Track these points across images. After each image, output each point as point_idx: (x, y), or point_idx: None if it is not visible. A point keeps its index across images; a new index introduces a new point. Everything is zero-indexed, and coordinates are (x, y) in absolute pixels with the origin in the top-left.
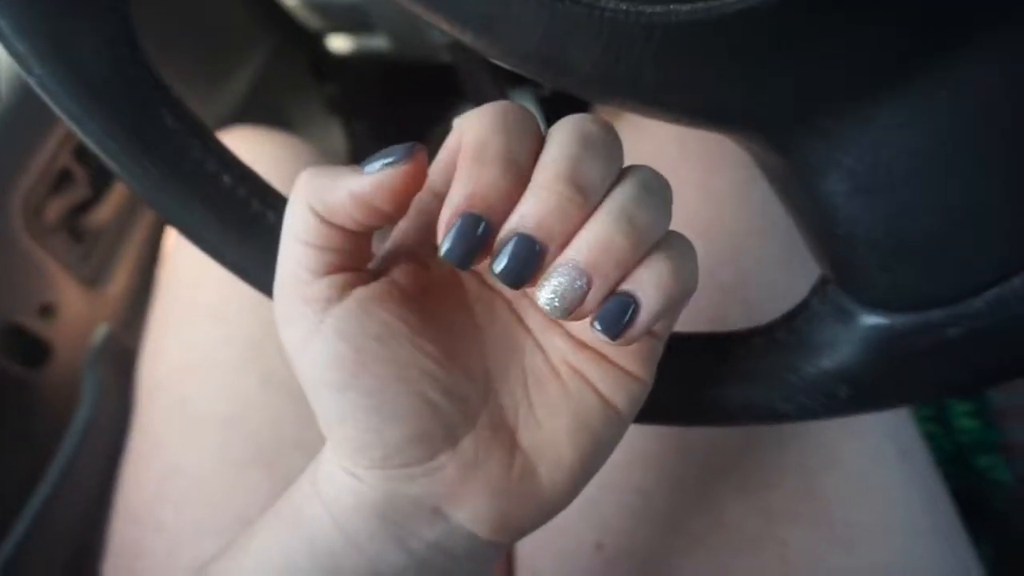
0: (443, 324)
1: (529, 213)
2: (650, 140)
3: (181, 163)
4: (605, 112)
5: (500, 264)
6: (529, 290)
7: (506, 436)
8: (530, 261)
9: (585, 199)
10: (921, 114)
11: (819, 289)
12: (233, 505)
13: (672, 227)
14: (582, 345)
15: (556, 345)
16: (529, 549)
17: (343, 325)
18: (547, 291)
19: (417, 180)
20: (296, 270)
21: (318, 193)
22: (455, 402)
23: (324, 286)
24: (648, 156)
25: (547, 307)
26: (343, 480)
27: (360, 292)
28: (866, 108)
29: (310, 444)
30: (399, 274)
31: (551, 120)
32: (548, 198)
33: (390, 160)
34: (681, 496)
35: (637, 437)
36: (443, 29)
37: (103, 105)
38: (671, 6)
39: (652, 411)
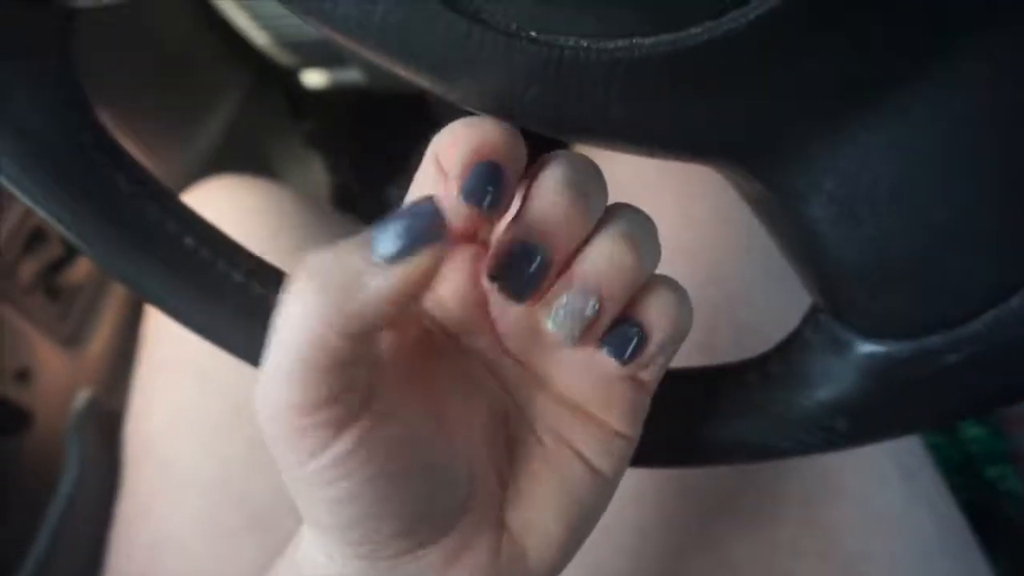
0: (434, 408)
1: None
2: (627, 165)
3: (138, 227)
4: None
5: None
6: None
7: (492, 516)
8: (536, 274)
9: (588, 212)
10: (900, 135)
11: (811, 318)
12: (227, 575)
13: None
14: (565, 404)
15: (538, 407)
16: None
17: (346, 463)
18: (558, 312)
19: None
20: (293, 399)
21: (338, 307)
22: (448, 490)
23: (324, 419)
24: (625, 182)
25: (557, 328)
26: (325, 564)
27: (364, 424)
28: (843, 131)
29: None
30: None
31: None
32: (551, 208)
33: (413, 231)
34: (681, 534)
35: (631, 474)
36: (402, 75)
37: (50, 173)
38: (633, 40)
39: (643, 453)
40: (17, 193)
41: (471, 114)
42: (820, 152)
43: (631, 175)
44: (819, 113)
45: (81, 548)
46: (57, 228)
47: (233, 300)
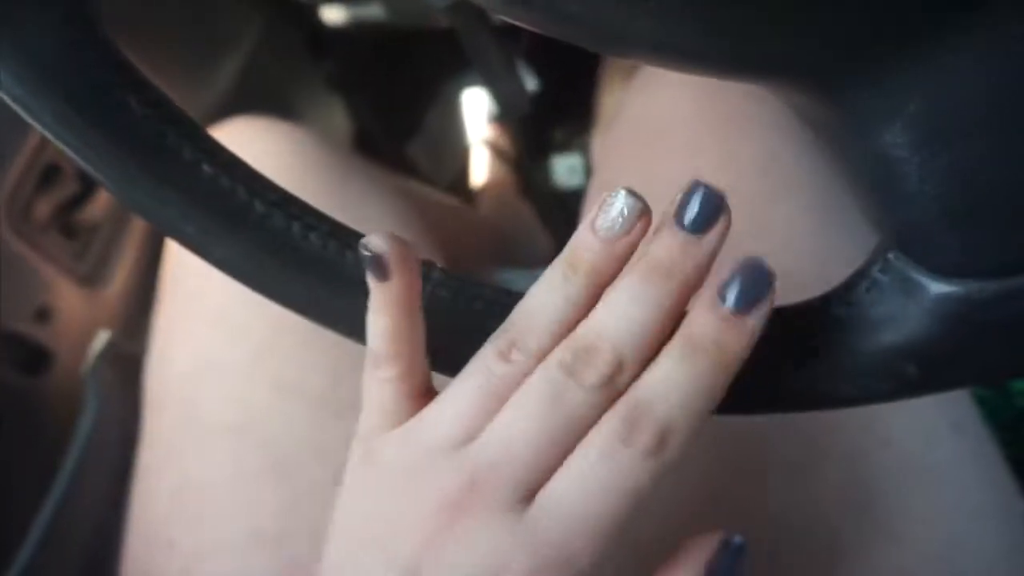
0: None
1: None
2: (666, 106)
3: (153, 152)
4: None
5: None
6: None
7: None
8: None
9: None
10: (1000, 46)
11: (878, 257)
12: (248, 519)
13: None
14: None
15: None
16: None
17: None
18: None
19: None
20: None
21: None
22: None
23: None
24: (659, 120)
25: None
26: None
27: None
28: (932, 45)
29: (327, 452)
30: None
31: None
32: None
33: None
34: (719, 485)
35: None
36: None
37: (59, 95)
38: None
39: None
40: (27, 116)
41: (499, 59)
42: (904, 71)
43: (671, 109)
44: (905, 27)
45: (101, 489)
46: (68, 154)
47: (254, 231)
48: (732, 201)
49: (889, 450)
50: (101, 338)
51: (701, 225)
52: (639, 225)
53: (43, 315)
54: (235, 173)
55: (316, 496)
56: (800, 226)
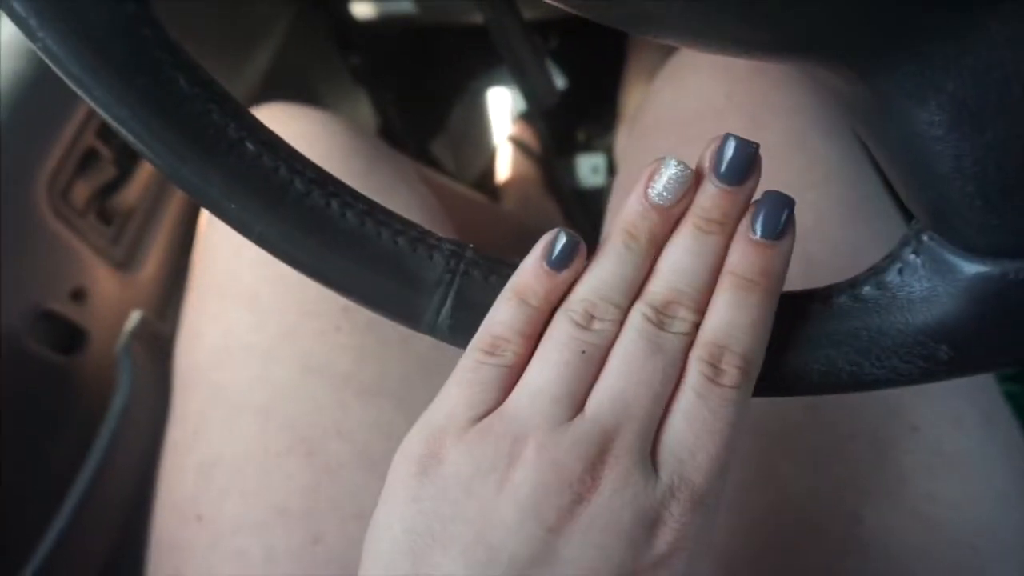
0: None
1: None
2: (694, 94)
3: (198, 129)
4: (640, 64)
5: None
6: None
7: None
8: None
9: None
10: None
11: (911, 238)
12: (274, 496)
13: None
14: None
15: None
16: None
17: None
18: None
19: None
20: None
21: None
22: None
23: None
24: (693, 110)
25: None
26: None
27: None
28: (971, 22)
29: (350, 431)
30: None
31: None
32: None
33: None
34: (743, 469)
35: None
36: None
37: (111, 69)
38: None
39: None
40: (81, 93)
41: (529, 55)
42: (943, 48)
43: (698, 99)
44: (944, 5)
45: (132, 467)
46: (117, 130)
47: (294, 208)
48: (765, 187)
49: (916, 436)
50: (133, 318)
51: (740, 173)
52: (689, 189)
53: (79, 295)
54: (277, 152)
55: (340, 475)
56: (829, 214)
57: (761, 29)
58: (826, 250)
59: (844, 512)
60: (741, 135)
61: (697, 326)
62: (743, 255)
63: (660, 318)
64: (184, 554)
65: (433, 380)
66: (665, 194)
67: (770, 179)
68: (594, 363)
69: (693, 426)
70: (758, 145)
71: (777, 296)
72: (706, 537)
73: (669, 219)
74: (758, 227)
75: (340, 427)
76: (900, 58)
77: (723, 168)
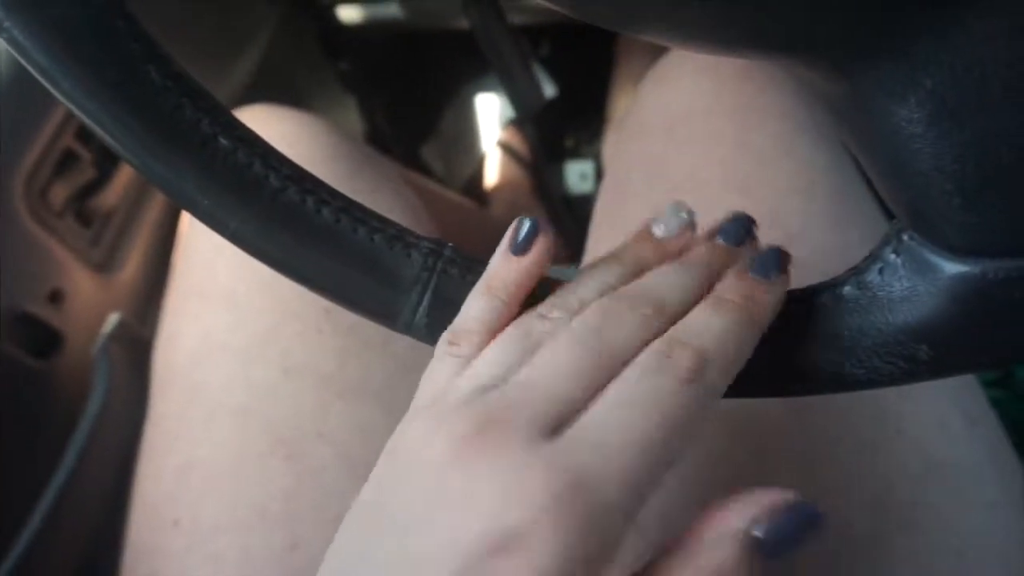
0: None
1: None
2: (682, 97)
3: (171, 124)
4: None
5: None
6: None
7: None
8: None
9: None
10: (1017, 20)
11: (892, 237)
12: (252, 499)
13: (708, 183)
14: None
15: None
16: None
17: None
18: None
19: None
20: None
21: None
22: None
23: None
24: (675, 109)
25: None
26: None
27: None
28: (951, 19)
29: (331, 432)
30: None
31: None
32: None
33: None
34: (728, 474)
35: None
36: None
37: (80, 60)
38: None
39: None
40: (49, 85)
41: (516, 60)
42: (923, 44)
43: (686, 101)
44: (921, 1)
45: (107, 469)
46: (88, 124)
47: (268, 205)
48: (752, 190)
49: (902, 441)
50: (111, 320)
51: (739, 239)
52: (687, 229)
53: (55, 298)
54: (251, 147)
55: (321, 477)
56: (815, 217)
57: (742, 27)
58: (812, 255)
59: (833, 518)
60: (728, 138)
61: (659, 324)
62: (730, 283)
63: (613, 308)
64: (160, 557)
65: (416, 382)
66: (667, 234)
67: (758, 183)
68: (530, 346)
69: (620, 412)
70: (755, 222)
71: (758, 327)
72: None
73: (661, 251)
74: (752, 266)
75: (321, 429)
76: (880, 55)
77: (725, 231)
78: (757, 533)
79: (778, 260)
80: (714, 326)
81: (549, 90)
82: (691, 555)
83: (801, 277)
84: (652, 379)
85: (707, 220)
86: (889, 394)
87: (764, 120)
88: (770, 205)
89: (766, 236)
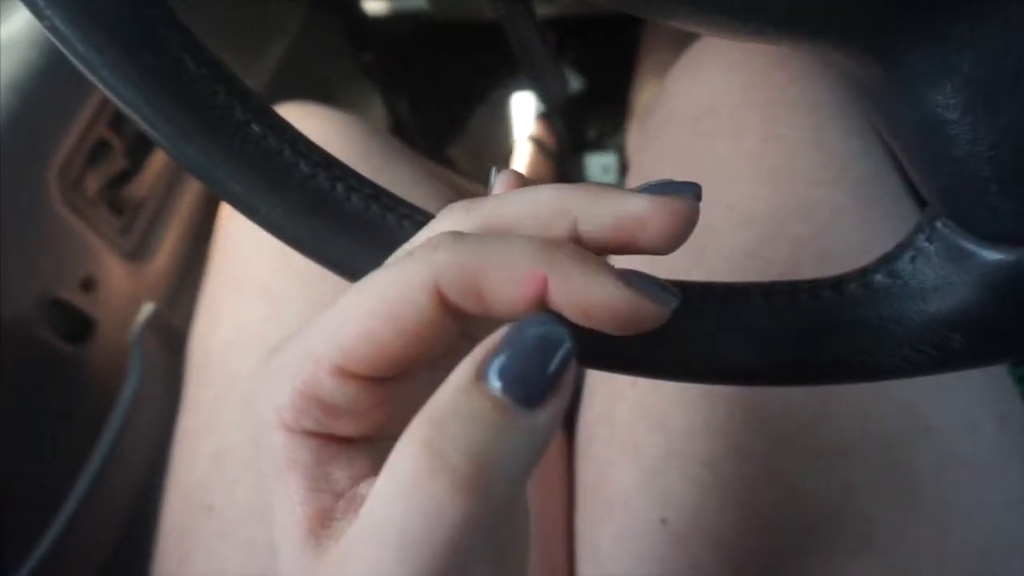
0: None
1: None
2: (709, 89)
3: (205, 110)
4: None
5: None
6: None
7: None
8: None
9: None
10: None
11: (925, 225)
12: None
13: (737, 175)
14: None
15: None
16: (589, 524)
17: None
18: None
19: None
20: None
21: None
22: None
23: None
24: (704, 101)
25: None
26: None
27: None
28: (988, 2)
29: None
30: None
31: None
32: None
33: None
34: (750, 467)
35: (701, 404)
36: None
37: (117, 48)
38: None
39: (727, 371)
40: (87, 72)
41: (542, 53)
42: (959, 27)
43: (714, 93)
44: None
45: (141, 455)
46: (124, 110)
47: (298, 191)
48: (780, 181)
49: (930, 438)
50: (146, 309)
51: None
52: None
53: (88, 285)
54: (282, 134)
55: None
56: (845, 209)
57: (775, 8)
58: (841, 246)
59: (854, 513)
60: (757, 131)
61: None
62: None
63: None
64: (193, 542)
65: None
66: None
67: (787, 175)
68: None
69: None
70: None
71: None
72: None
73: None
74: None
75: None
76: (915, 39)
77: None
78: (495, 378)
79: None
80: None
81: (575, 84)
82: (422, 424)
83: (831, 269)
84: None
85: (736, 214)
86: (917, 390)
87: (793, 112)
88: (800, 197)
89: (796, 229)
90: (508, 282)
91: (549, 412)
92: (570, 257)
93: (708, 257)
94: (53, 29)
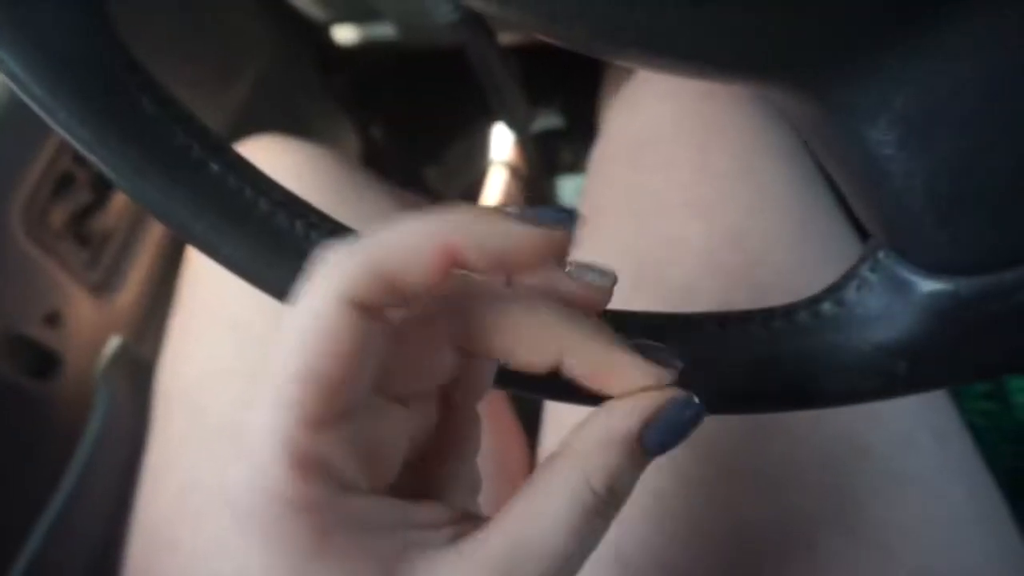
0: None
1: None
2: (646, 120)
3: (163, 150)
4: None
5: None
6: None
7: None
8: None
9: None
10: (984, 40)
11: (869, 255)
12: None
13: (669, 207)
14: None
15: None
16: None
17: None
18: None
19: None
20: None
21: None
22: None
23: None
24: (639, 135)
25: None
26: None
27: None
28: (916, 38)
29: None
30: None
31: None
32: None
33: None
34: (698, 497)
35: None
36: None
37: (71, 89)
38: None
39: None
40: (43, 115)
41: (503, 77)
42: (891, 64)
43: (649, 127)
44: (888, 22)
45: (108, 492)
46: (82, 152)
47: (258, 229)
48: (712, 213)
49: (867, 459)
50: (112, 343)
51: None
52: None
53: (53, 320)
54: (241, 172)
55: None
56: (777, 238)
57: (709, 49)
58: (775, 278)
59: (798, 537)
60: (689, 162)
61: None
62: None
63: None
64: None
65: None
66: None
67: (715, 204)
68: None
69: None
70: None
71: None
72: None
73: None
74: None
75: None
76: (848, 76)
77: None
78: (644, 432)
79: None
80: None
81: (553, 120)
82: (580, 459)
83: (766, 300)
84: None
85: (672, 247)
86: (854, 413)
87: (724, 141)
88: (730, 226)
89: (728, 260)
90: (415, 260)
91: None
92: (471, 218)
93: (643, 291)
94: (9, 73)
